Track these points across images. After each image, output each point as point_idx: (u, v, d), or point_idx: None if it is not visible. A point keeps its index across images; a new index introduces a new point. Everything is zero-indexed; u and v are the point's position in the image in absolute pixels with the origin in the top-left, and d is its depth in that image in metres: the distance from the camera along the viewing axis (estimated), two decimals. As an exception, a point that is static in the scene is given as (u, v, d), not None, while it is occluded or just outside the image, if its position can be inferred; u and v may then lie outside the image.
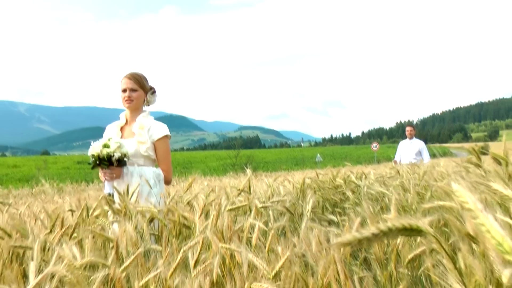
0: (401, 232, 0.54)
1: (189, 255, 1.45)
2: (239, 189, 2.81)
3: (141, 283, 1.23)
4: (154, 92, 3.50)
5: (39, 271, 1.29)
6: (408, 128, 9.16)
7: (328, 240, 1.74)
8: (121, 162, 3.12)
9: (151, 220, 2.22)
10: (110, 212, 2.47)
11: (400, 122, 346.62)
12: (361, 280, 1.71)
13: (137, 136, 3.30)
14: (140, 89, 3.37)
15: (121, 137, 3.37)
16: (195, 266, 1.40)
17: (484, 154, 2.54)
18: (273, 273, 1.30)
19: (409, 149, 8.87)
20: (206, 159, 58.60)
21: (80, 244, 2.01)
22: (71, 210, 2.71)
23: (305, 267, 1.60)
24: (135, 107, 3.39)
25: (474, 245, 1.22)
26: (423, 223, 1.56)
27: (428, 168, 3.99)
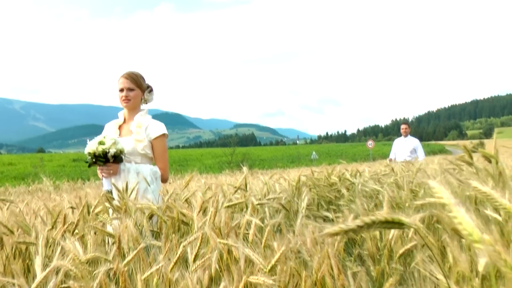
0: (383, 224, 0.60)
1: (188, 250, 1.50)
2: (235, 187, 2.86)
3: (143, 277, 1.28)
4: (151, 90, 3.55)
5: (44, 265, 1.34)
6: (403, 126, 9.22)
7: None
8: (117, 158, 3.16)
9: (151, 216, 2.27)
10: (110, 209, 2.52)
11: (396, 119, 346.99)
12: (354, 274, 1.77)
13: (135, 134, 3.35)
14: (137, 88, 3.42)
15: (119, 135, 3.43)
16: (194, 260, 1.45)
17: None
18: (269, 267, 1.36)
19: (404, 147, 8.93)
20: (201, 157, 58.50)
21: (82, 240, 2.06)
22: (72, 207, 2.76)
23: (300, 262, 1.65)
24: (133, 106, 3.44)
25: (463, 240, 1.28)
26: (414, 218, 1.62)
27: (422, 166, 4.04)
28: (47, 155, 63.96)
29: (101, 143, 3.11)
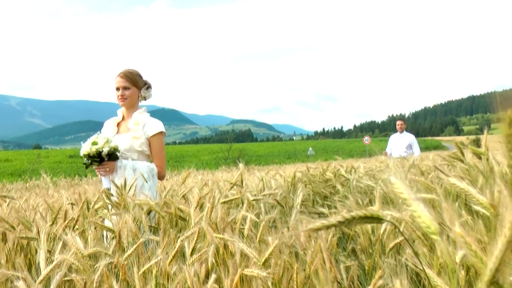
0: (363, 220, 0.65)
1: (186, 244, 1.55)
2: (231, 183, 2.90)
3: (142, 270, 1.34)
4: (148, 87, 3.58)
5: (47, 260, 1.39)
6: (398, 122, 9.27)
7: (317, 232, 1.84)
8: (112, 156, 3.21)
9: (149, 212, 2.33)
10: (109, 205, 2.57)
11: (392, 115, 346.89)
12: (348, 268, 1.82)
13: (132, 131, 3.39)
14: (132, 86, 3.45)
15: (117, 132, 3.47)
16: (191, 254, 1.51)
17: (478, 147, 2.62)
18: (262, 260, 1.41)
19: (400, 143, 8.98)
20: (198, 153, 58.50)
21: (83, 235, 2.12)
22: (72, 204, 2.81)
23: (295, 257, 1.70)
24: (130, 105, 3.48)
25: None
26: (406, 214, 1.68)
27: (416, 162, 4.09)
28: (43, 151, 63.87)
29: (94, 143, 3.16)
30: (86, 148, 3.16)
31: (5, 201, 2.77)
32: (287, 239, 1.67)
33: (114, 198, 2.61)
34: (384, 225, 1.94)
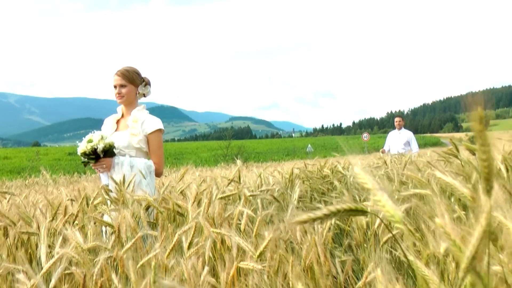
0: (348, 212, 0.68)
1: (183, 239, 1.58)
2: (229, 179, 2.93)
3: (141, 263, 1.37)
4: (146, 84, 3.60)
5: (47, 254, 1.42)
6: (396, 119, 9.31)
7: (313, 228, 1.87)
8: (108, 153, 3.26)
9: (147, 208, 2.36)
10: (108, 201, 2.61)
11: (391, 112, 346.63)
12: (343, 263, 1.86)
13: (130, 128, 3.42)
14: (129, 84, 3.48)
15: (116, 129, 3.52)
16: (188, 248, 1.54)
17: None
18: (257, 253, 1.44)
19: (398, 140, 9.03)
20: (197, 150, 58.52)
21: (82, 230, 2.15)
22: (71, 200, 2.84)
23: (290, 250, 1.74)
24: (127, 102, 3.51)
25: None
26: (400, 209, 1.72)
27: (413, 158, 4.13)
28: (42, 148, 63.84)
29: (89, 141, 3.21)
30: (82, 146, 3.22)
31: (5, 198, 2.81)
32: (282, 233, 1.71)
33: (113, 194, 2.65)
34: (378, 220, 1.98)
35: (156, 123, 3.46)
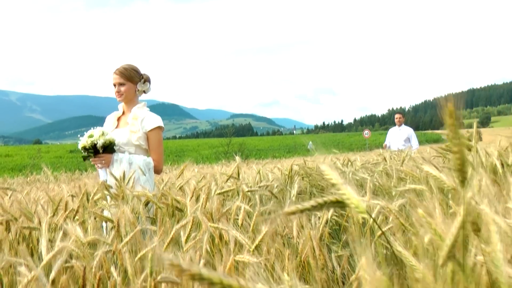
0: (333, 204, 0.71)
1: (182, 233, 1.62)
2: (228, 175, 2.96)
3: (139, 256, 1.40)
4: (145, 81, 3.63)
5: (48, 247, 1.46)
6: (397, 116, 9.35)
7: (310, 222, 1.90)
8: (107, 149, 3.31)
9: (146, 204, 2.40)
10: (108, 197, 2.64)
11: (392, 109, 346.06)
12: (340, 257, 1.89)
13: (130, 125, 3.46)
14: (128, 82, 3.51)
15: (117, 126, 3.55)
16: (186, 241, 1.57)
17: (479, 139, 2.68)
18: (253, 246, 1.47)
19: (398, 136, 9.06)
20: (198, 147, 58.52)
21: (83, 225, 2.19)
22: (72, 196, 2.88)
23: (286, 244, 1.77)
24: (127, 100, 3.55)
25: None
26: (396, 203, 1.75)
27: (412, 155, 4.15)
28: (44, 146, 63.89)
29: (90, 136, 3.27)
30: (83, 141, 3.27)
31: (7, 194, 2.84)
32: (278, 227, 1.74)
33: (113, 190, 2.68)
34: (374, 215, 2.01)
35: (156, 121, 3.48)
